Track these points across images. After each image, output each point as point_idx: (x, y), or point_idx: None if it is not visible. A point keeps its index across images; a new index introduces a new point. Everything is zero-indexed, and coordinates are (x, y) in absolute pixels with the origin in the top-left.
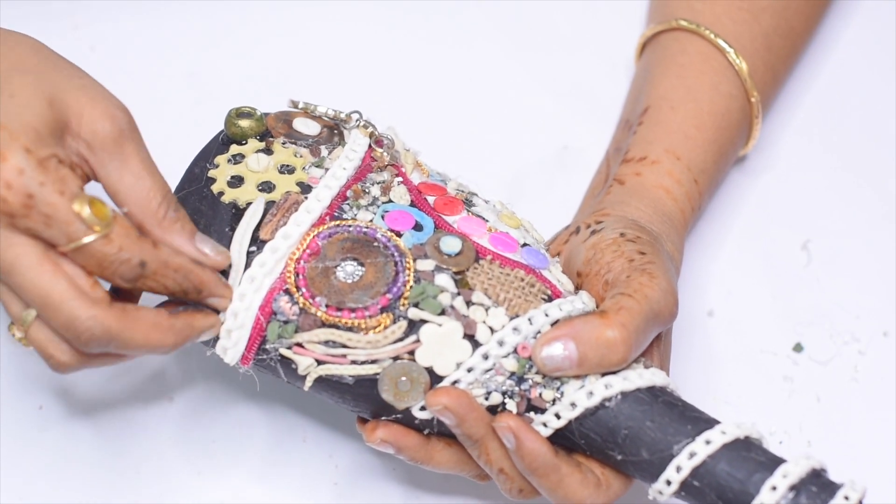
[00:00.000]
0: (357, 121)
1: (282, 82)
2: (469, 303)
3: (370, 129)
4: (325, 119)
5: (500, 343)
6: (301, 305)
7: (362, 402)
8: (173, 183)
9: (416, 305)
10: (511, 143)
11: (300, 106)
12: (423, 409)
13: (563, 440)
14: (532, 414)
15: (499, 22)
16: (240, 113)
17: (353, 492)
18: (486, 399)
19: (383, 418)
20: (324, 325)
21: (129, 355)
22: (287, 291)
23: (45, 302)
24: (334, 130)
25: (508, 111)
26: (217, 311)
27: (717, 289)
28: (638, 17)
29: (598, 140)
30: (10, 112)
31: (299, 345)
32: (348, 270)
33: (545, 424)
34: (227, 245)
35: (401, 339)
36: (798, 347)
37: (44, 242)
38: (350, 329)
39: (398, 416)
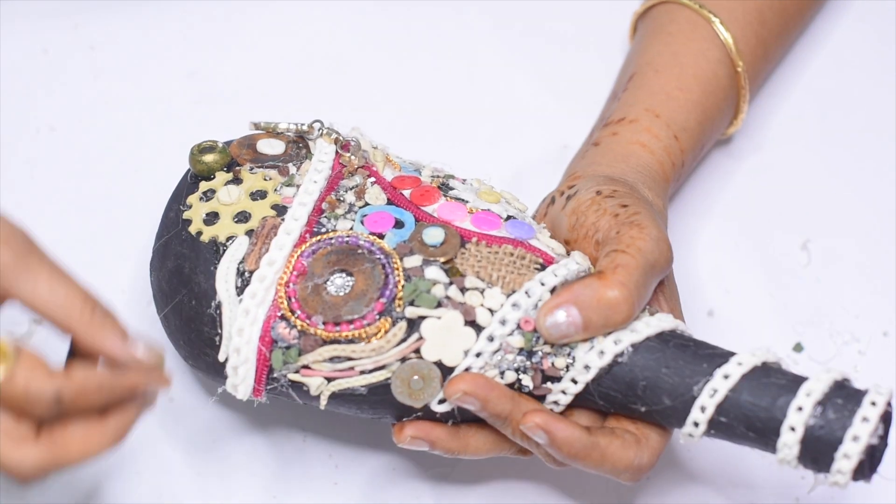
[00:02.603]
0: (320, 129)
1: (282, 82)
2: (463, 289)
3: (334, 136)
4: (288, 135)
5: (503, 322)
6: (299, 328)
7: (380, 408)
8: (152, 230)
9: (411, 304)
10: (511, 142)
11: (261, 126)
12: (441, 402)
13: (585, 403)
14: (549, 384)
15: (499, 21)
16: (202, 148)
17: (354, 492)
18: (501, 378)
19: (405, 419)
20: (325, 342)
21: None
22: (283, 317)
23: None
24: (300, 144)
25: (508, 110)
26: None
27: (716, 289)
28: None
29: None
30: None
31: (306, 367)
32: (338, 283)
33: (564, 392)
34: (215, 284)
35: (404, 340)
36: (798, 347)
37: None
38: (352, 341)
39: (419, 414)
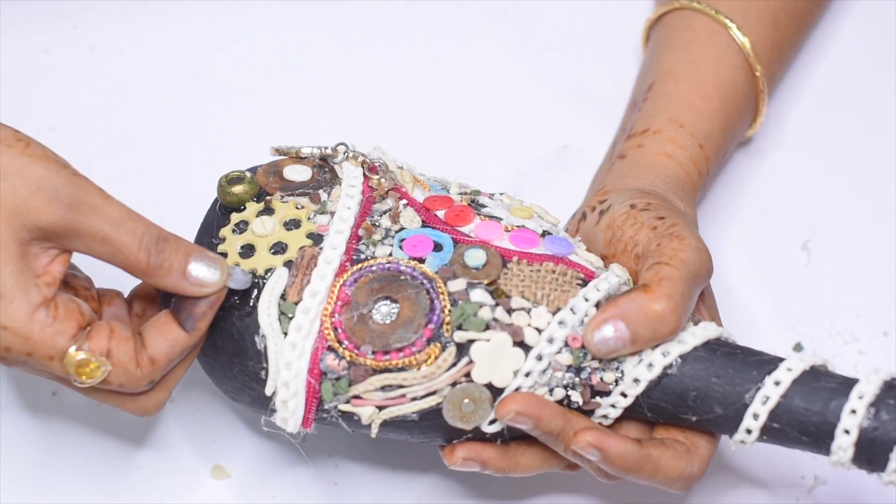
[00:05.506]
0: (345, 153)
1: (282, 82)
2: (510, 310)
3: (361, 159)
4: (313, 160)
5: (550, 341)
6: (348, 359)
7: (431, 433)
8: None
9: (459, 328)
10: (511, 143)
11: (283, 151)
12: (492, 422)
13: (633, 415)
14: (598, 399)
15: (499, 21)
16: (230, 179)
17: (353, 492)
18: (550, 395)
19: (455, 441)
20: (375, 371)
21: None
22: (330, 348)
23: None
24: (325, 168)
25: (509, 111)
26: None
27: (717, 289)
28: (640, 16)
29: (599, 140)
30: None
31: (356, 396)
32: (384, 311)
33: (614, 406)
34: (257, 318)
35: (454, 365)
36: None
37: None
38: (402, 369)
39: (468, 436)
